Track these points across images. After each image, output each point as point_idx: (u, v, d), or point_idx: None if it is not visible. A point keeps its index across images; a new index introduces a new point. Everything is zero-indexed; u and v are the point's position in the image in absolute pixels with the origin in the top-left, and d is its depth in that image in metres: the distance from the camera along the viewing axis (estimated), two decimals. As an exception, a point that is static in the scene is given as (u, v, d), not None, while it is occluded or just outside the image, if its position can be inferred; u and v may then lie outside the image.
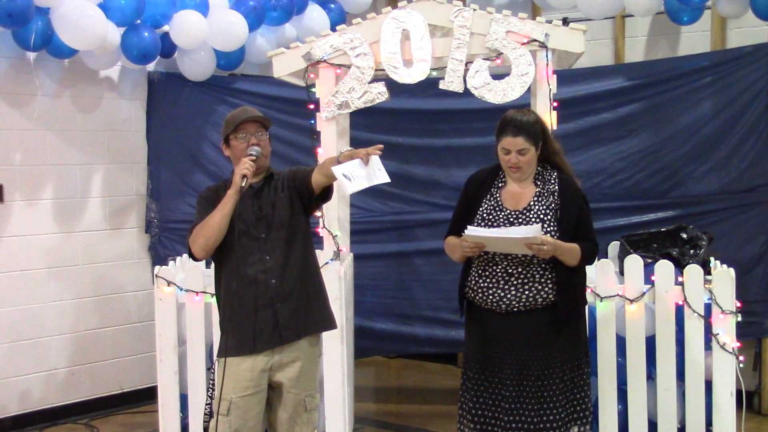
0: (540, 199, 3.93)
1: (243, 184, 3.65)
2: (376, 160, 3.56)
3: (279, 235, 3.76)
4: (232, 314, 3.73)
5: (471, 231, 3.83)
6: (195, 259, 3.82)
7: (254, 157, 3.72)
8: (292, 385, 3.79)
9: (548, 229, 3.84)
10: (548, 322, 3.86)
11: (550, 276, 3.86)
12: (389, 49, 4.97)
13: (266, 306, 3.72)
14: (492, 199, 3.99)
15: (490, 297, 3.88)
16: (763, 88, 5.59)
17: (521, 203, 3.93)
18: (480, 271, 3.93)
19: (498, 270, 3.88)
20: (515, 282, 3.85)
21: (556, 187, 3.95)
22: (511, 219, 3.90)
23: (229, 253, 3.73)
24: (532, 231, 3.74)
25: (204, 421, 3.87)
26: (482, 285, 3.91)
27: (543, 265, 3.85)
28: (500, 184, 4.02)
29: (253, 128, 3.79)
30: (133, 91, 6.45)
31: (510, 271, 3.86)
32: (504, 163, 3.95)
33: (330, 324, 3.92)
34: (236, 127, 3.78)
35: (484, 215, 3.95)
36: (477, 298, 3.93)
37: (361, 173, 3.54)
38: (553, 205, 3.91)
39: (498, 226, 3.89)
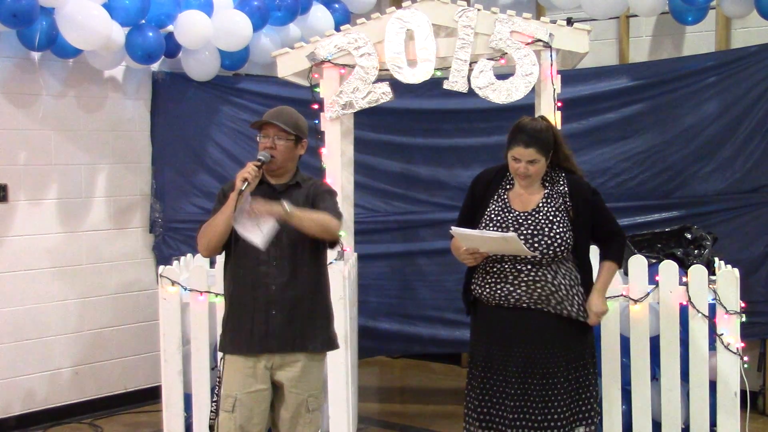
0: (549, 200, 3.91)
1: (243, 188, 3.63)
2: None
3: (289, 245, 3.74)
4: (231, 312, 3.79)
5: (455, 230, 3.85)
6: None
7: (260, 162, 3.72)
8: (293, 385, 3.78)
9: (559, 231, 3.83)
10: (554, 320, 3.85)
11: (565, 282, 3.86)
12: (393, 49, 4.97)
13: (261, 311, 3.73)
14: (500, 200, 3.97)
15: (499, 291, 3.87)
16: (768, 87, 5.58)
17: (530, 205, 3.92)
18: (487, 268, 3.91)
19: (506, 267, 3.86)
20: (525, 278, 3.83)
21: (566, 189, 3.93)
22: (520, 220, 3.88)
23: (238, 252, 3.74)
24: (508, 236, 3.73)
25: (210, 419, 3.87)
26: (489, 281, 3.89)
27: (554, 268, 3.84)
28: (507, 186, 4.00)
29: (273, 131, 3.78)
30: (137, 90, 6.45)
31: (519, 267, 3.84)
32: (513, 170, 3.93)
33: (331, 345, 3.90)
34: (260, 126, 3.82)
35: (492, 216, 3.94)
36: (484, 294, 3.92)
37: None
38: (563, 207, 3.90)
39: (507, 227, 3.87)
